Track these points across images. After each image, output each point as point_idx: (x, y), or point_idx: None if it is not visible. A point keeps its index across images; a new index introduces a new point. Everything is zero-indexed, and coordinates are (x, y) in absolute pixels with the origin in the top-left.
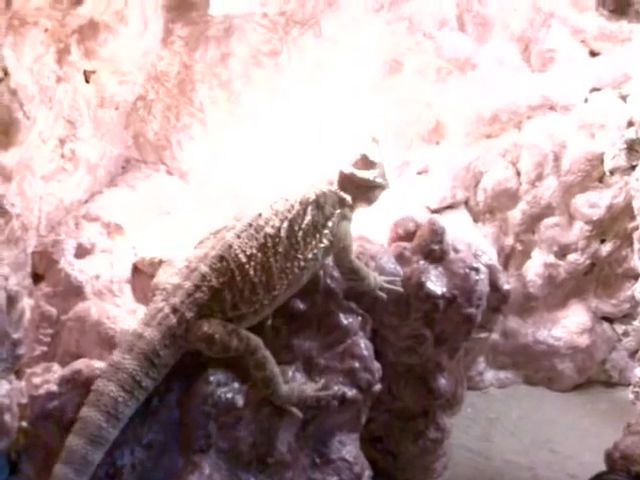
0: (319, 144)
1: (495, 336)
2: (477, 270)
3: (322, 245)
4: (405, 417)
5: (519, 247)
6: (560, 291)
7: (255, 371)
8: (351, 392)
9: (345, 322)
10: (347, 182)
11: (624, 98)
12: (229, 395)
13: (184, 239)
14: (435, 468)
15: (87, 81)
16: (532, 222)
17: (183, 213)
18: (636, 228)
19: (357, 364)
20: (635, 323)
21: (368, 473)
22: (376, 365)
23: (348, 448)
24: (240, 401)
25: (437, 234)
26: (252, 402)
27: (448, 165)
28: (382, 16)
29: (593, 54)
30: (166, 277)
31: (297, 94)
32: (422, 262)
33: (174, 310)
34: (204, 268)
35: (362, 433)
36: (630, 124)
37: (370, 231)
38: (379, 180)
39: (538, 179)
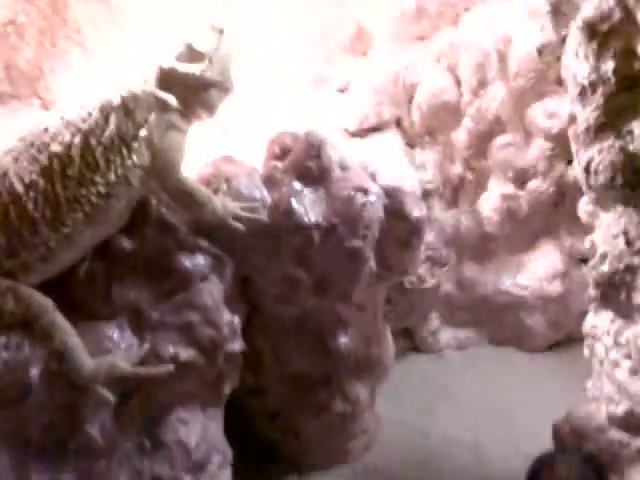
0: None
1: (448, 287)
2: (365, 191)
3: (131, 163)
4: (302, 386)
5: (469, 176)
6: (525, 229)
7: (42, 342)
8: (187, 353)
9: (187, 264)
10: (169, 80)
11: None
12: (20, 356)
13: None
14: (349, 450)
15: None
16: (481, 143)
17: None
18: None
19: (197, 317)
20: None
21: (219, 460)
22: (226, 318)
23: (192, 428)
24: (35, 368)
25: (313, 148)
26: (50, 369)
27: (371, 77)
28: None
29: None
30: None
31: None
32: (294, 183)
33: None
34: None
35: (256, 409)
36: None
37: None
38: (209, 75)
39: (481, 86)
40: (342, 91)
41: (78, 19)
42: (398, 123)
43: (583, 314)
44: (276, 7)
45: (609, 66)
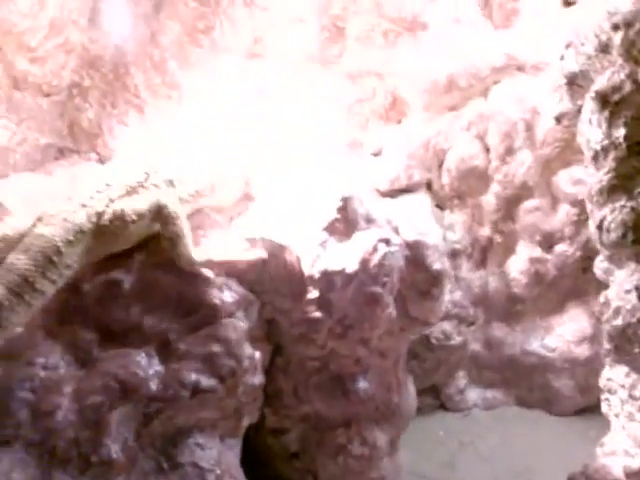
0: (262, 127)
1: (476, 346)
2: (387, 242)
3: None
4: (322, 428)
5: (498, 239)
6: (554, 292)
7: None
8: (207, 382)
9: (216, 301)
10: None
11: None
12: (53, 380)
13: None
14: None
15: None
16: (509, 207)
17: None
18: None
19: (220, 348)
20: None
21: None
22: (248, 351)
23: (208, 453)
24: (67, 388)
25: (342, 202)
26: (80, 390)
27: (403, 142)
28: None
29: (568, 3)
30: None
31: (236, 72)
32: (322, 233)
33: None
34: None
35: (277, 449)
36: None
37: None
38: None
39: (509, 153)
40: (376, 155)
41: (137, 85)
42: (428, 186)
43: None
44: (319, 78)
45: (621, 132)
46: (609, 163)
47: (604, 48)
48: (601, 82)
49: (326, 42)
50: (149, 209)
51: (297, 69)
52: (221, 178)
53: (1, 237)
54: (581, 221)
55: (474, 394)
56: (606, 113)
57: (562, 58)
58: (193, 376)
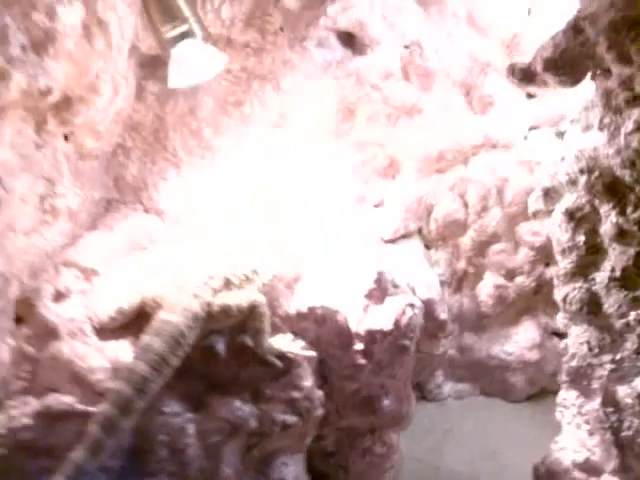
0: (285, 185)
1: (452, 352)
2: (412, 306)
3: None
4: (354, 435)
5: (471, 270)
6: (512, 309)
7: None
8: (292, 419)
9: (290, 355)
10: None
11: (560, 134)
12: (181, 424)
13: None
14: None
15: (66, 138)
16: (481, 248)
17: (158, 249)
18: None
19: (298, 394)
20: (561, 344)
21: None
22: (317, 393)
23: (290, 469)
24: (191, 429)
25: (377, 273)
26: (201, 430)
27: (401, 199)
28: (331, 73)
29: (530, 96)
30: None
31: (263, 140)
32: (364, 300)
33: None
34: None
35: (315, 449)
36: (563, 161)
37: None
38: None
39: (484, 210)
40: (377, 206)
41: (175, 146)
42: (419, 231)
43: (553, 374)
44: (332, 147)
45: (581, 239)
46: (572, 257)
47: (572, 182)
48: (569, 200)
49: (340, 120)
50: (247, 306)
51: (314, 139)
52: (279, 254)
53: (118, 310)
54: (536, 261)
55: (448, 387)
56: (572, 224)
57: (525, 138)
58: (281, 416)
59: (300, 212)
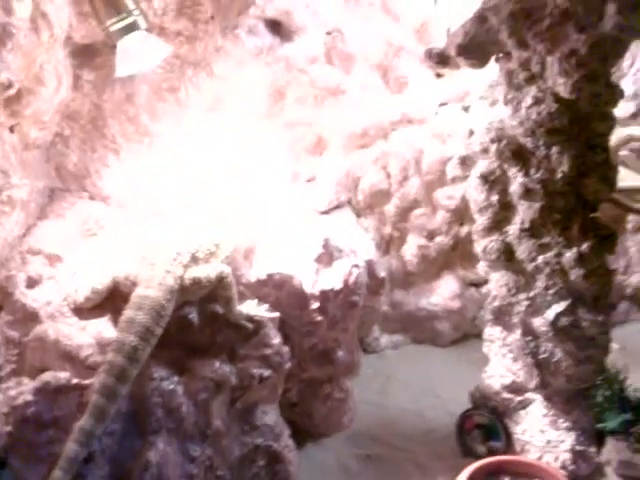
0: (222, 165)
1: (385, 307)
2: (357, 266)
3: None
4: (314, 384)
5: (396, 234)
6: (434, 266)
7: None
8: (267, 372)
9: (257, 318)
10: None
11: (466, 109)
12: (171, 387)
13: (115, 257)
14: (343, 422)
15: (12, 131)
16: (404, 213)
17: (109, 234)
18: None
19: (269, 350)
20: (484, 289)
21: (287, 432)
22: (285, 349)
23: (269, 416)
24: (180, 390)
25: (323, 240)
26: (189, 390)
27: (331, 174)
28: (261, 59)
29: (439, 76)
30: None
31: (199, 124)
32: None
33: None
34: None
35: (282, 401)
36: (471, 133)
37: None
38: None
39: (404, 180)
40: (309, 181)
41: (113, 133)
42: (349, 201)
43: (473, 319)
44: (264, 127)
45: (495, 198)
46: (488, 214)
47: (485, 150)
48: (482, 166)
49: (271, 103)
50: (216, 277)
51: (248, 122)
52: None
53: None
54: (452, 222)
55: (384, 339)
56: (486, 186)
57: (436, 114)
58: (257, 370)
59: (240, 190)
